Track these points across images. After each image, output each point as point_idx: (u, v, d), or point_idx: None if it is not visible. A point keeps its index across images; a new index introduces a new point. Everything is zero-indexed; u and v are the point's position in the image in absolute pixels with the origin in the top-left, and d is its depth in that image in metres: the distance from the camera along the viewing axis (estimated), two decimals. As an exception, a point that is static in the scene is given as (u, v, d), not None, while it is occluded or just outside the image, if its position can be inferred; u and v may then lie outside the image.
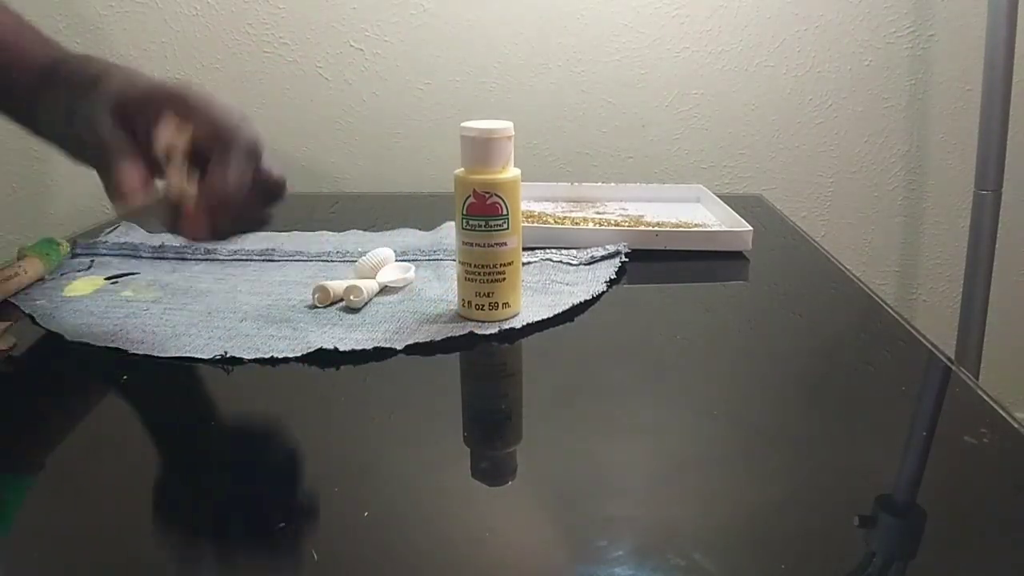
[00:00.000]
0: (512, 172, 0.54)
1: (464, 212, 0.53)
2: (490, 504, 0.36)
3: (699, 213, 0.87)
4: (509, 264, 0.54)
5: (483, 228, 0.53)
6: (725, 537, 0.34)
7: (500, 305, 0.55)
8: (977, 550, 0.33)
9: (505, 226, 0.53)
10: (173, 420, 0.45)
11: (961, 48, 1.13)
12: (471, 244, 0.54)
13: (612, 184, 0.95)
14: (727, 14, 1.13)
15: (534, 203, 0.90)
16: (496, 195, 0.53)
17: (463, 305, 0.56)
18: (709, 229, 0.78)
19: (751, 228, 0.73)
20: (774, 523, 0.35)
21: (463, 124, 0.53)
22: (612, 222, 0.81)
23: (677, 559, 0.31)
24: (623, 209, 0.88)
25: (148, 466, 0.40)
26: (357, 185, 1.21)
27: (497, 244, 0.53)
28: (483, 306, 0.55)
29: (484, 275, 0.54)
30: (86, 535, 0.34)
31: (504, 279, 0.54)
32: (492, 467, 0.40)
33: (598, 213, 0.86)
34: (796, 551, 0.33)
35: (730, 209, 0.81)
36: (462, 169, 0.54)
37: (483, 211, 0.53)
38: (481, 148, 0.53)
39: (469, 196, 0.53)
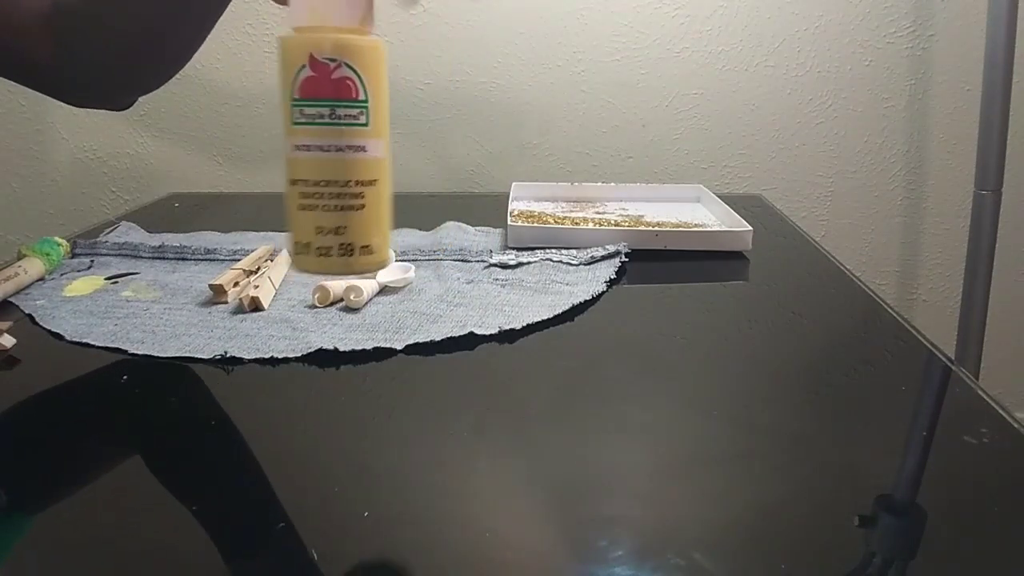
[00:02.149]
0: (373, 35, 0.34)
1: (295, 95, 0.33)
2: (490, 504, 0.36)
3: (699, 213, 0.87)
4: (371, 184, 0.34)
5: (328, 119, 0.33)
6: (725, 537, 0.33)
7: (356, 248, 0.34)
8: (977, 550, 0.33)
9: (363, 119, 0.34)
10: (173, 420, 0.45)
11: (961, 48, 1.13)
12: (307, 148, 0.34)
13: (612, 184, 0.95)
14: (727, 14, 1.13)
15: (534, 203, 0.90)
16: (347, 64, 0.33)
17: (298, 250, 0.35)
18: (709, 229, 0.78)
19: (751, 228, 0.73)
20: (774, 523, 0.35)
21: None
22: (612, 222, 0.81)
23: (677, 559, 0.31)
24: (623, 209, 0.88)
25: (148, 466, 0.40)
26: (357, 185, 1.21)
27: (351, 147, 0.34)
28: (330, 250, 0.34)
29: (330, 198, 0.34)
30: (86, 535, 0.34)
31: (362, 206, 0.34)
32: (492, 467, 0.40)
33: (598, 213, 0.86)
34: (796, 551, 0.33)
35: (730, 209, 0.81)
36: (290, 28, 0.34)
37: (326, 92, 0.33)
38: None
39: (303, 67, 0.33)
